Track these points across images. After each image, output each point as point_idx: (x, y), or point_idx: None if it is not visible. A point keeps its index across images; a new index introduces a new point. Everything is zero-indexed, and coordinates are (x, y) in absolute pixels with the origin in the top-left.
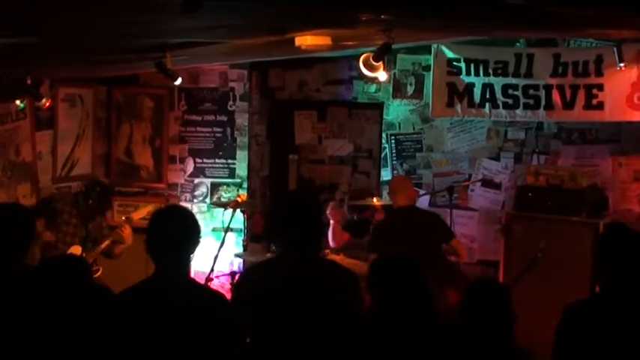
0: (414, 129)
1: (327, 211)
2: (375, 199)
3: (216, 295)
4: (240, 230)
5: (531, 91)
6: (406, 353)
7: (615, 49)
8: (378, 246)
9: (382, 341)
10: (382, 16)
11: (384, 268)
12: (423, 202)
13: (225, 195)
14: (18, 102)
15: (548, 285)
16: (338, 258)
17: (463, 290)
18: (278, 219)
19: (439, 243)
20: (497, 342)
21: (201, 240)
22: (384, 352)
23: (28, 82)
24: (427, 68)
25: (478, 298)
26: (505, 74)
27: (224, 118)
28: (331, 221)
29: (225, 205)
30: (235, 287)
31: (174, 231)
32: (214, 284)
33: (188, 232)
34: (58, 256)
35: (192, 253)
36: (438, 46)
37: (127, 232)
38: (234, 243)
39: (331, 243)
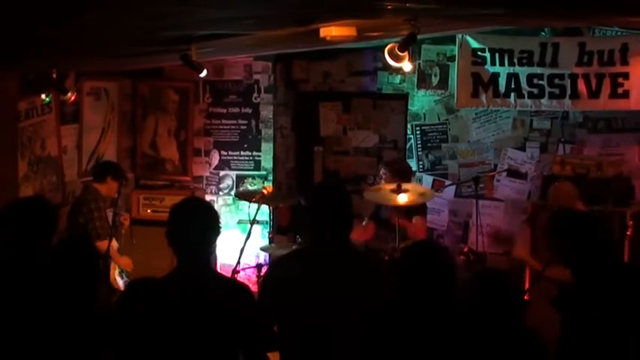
0: (439, 120)
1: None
2: None
3: (240, 286)
4: (266, 223)
5: (557, 81)
6: (428, 339)
7: None
8: None
9: (407, 327)
10: (407, 4)
11: (413, 254)
12: (449, 192)
13: (250, 187)
14: (43, 96)
15: None
16: None
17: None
18: (309, 211)
19: None
20: (502, 326)
21: (221, 230)
22: (409, 337)
23: (54, 76)
24: (452, 59)
25: (482, 288)
26: (530, 64)
27: (249, 111)
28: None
29: (250, 198)
30: (265, 276)
31: (194, 223)
32: (240, 277)
33: (208, 223)
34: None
35: (214, 243)
36: (462, 36)
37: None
38: (260, 235)
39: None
